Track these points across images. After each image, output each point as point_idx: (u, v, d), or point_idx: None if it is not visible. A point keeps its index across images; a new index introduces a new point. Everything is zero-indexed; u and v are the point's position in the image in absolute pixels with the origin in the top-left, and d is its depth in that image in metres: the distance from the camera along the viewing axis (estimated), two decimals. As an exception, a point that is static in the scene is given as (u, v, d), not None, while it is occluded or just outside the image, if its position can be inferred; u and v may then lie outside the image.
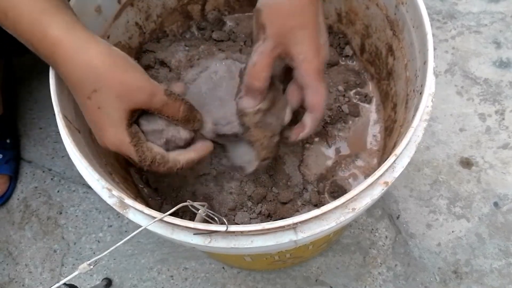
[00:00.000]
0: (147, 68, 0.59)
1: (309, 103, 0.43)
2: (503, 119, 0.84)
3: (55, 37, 0.37)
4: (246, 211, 0.51)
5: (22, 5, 0.37)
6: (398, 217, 0.78)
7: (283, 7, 0.39)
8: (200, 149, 0.44)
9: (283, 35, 0.40)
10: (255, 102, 0.43)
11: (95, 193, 0.42)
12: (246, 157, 0.48)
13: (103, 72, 0.37)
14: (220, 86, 0.46)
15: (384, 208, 0.79)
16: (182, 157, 0.42)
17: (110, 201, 0.40)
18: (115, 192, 0.37)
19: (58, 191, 0.86)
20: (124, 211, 0.39)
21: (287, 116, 0.45)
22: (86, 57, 0.37)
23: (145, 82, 0.39)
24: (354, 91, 0.59)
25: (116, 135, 0.38)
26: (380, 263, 0.75)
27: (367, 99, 0.58)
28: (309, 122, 0.44)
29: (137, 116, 0.40)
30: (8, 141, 0.86)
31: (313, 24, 0.39)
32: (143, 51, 0.59)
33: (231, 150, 0.49)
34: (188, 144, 0.44)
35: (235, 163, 0.49)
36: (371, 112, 0.58)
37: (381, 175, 0.37)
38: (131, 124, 0.39)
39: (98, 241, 0.81)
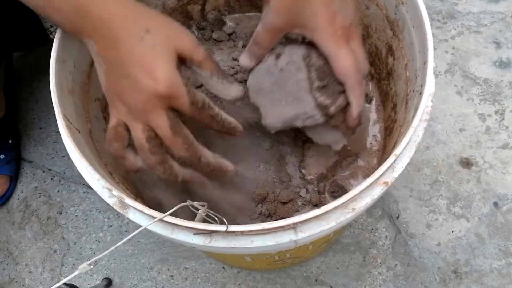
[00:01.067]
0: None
1: (335, 73, 0.41)
2: (503, 119, 0.84)
3: None
4: (249, 214, 0.51)
5: None
6: (398, 217, 0.78)
7: None
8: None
9: (287, 9, 0.39)
10: (250, 62, 0.44)
11: (95, 193, 0.42)
12: (329, 138, 0.47)
13: (153, 15, 0.39)
14: (288, 81, 0.42)
15: (384, 208, 0.79)
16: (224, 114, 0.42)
17: (110, 201, 0.40)
18: (115, 192, 0.37)
19: (58, 191, 0.86)
20: (124, 211, 0.39)
21: None
22: (137, 5, 0.38)
23: (189, 33, 0.40)
24: (354, 91, 0.59)
25: (170, 75, 0.37)
26: (380, 263, 0.75)
27: (367, 99, 0.58)
28: (348, 95, 0.42)
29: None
30: (10, 141, 0.87)
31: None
32: (143, 51, 0.59)
33: (311, 133, 0.47)
34: None
35: (319, 143, 0.48)
36: (371, 112, 0.58)
37: (381, 175, 0.37)
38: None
39: (98, 241, 0.81)
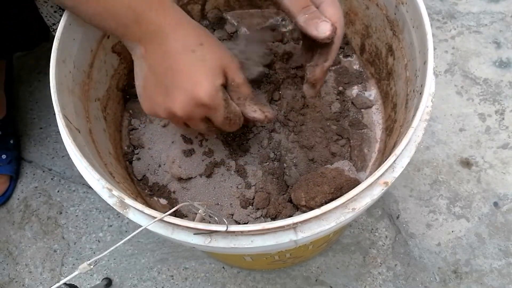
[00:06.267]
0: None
1: (328, 17, 0.42)
2: (503, 119, 0.84)
3: (169, 6, 0.40)
4: (248, 214, 0.51)
5: None
6: (398, 217, 0.78)
7: None
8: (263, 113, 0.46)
9: None
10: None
11: (95, 193, 0.42)
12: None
13: (205, 32, 0.42)
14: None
15: (384, 208, 0.79)
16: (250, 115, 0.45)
17: (110, 201, 0.40)
18: (115, 192, 0.37)
19: (58, 191, 0.86)
20: (124, 211, 0.39)
21: None
22: (191, 20, 0.42)
23: (234, 56, 0.43)
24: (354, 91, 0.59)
25: (213, 87, 0.40)
26: (380, 263, 0.75)
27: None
28: (332, 44, 0.43)
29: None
30: (11, 141, 0.87)
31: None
32: (143, 51, 0.59)
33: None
34: None
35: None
36: (372, 112, 0.58)
37: (381, 175, 0.37)
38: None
39: (98, 241, 0.81)
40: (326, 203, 0.45)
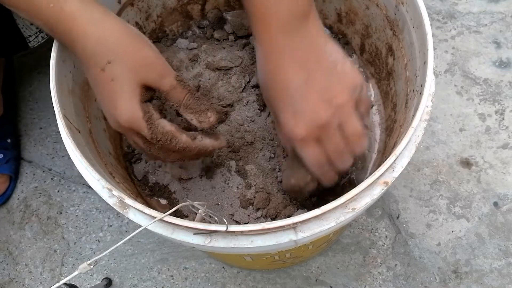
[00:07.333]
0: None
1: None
2: (503, 119, 0.84)
3: (72, 13, 0.37)
4: (248, 215, 0.51)
5: None
6: (398, 217, 0.78)
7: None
8: (215, 141, 0.44)
9: (270, 107, 0.41)
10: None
11: (95, 193, 0.42)
12: None
13: (116, 45, 0.38)
14: None
15: (384, 208, 0.79)
16: (197, 141, 0.42)
17: (110, 201, 0.40)
18: (115, 192, 0.37)
19: (58, 191, 0.86)
20: (124, 211, 0.39)
21: None
22: (101, 30, 0.37)
23: (158, 61, 0.40)
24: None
25: (129, 108, 0.38)
26: (380, 263, 0.75)
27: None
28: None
29: (150, 96, 0.40)
30: (8, 141, 0.86)
31: (277, 95, 0.39)
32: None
33: None
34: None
35: None
36: (371, 112, 0.58)
37: (381, 175, 0.37)
38: (144, 101, 0.39)
39: (98, 241, 0.81)
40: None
